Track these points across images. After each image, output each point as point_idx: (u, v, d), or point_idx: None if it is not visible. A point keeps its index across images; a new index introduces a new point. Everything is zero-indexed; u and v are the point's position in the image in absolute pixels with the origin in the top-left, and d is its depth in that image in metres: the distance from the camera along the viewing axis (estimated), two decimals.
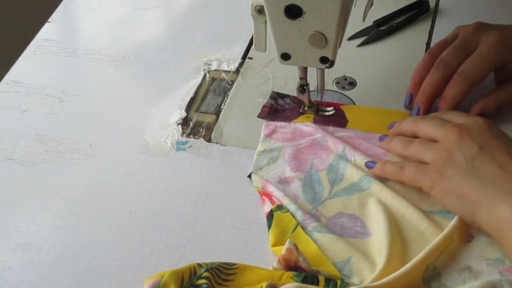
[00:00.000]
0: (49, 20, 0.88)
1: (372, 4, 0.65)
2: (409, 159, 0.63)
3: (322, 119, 0.70)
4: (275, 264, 0.55)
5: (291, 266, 0.55)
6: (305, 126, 0.69)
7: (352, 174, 0.63)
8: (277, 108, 0.71)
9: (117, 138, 0.71)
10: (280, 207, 0.61)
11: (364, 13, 0.65)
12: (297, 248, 0.55)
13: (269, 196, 0.62)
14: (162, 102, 0.75)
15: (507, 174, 0.55)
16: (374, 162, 0.63)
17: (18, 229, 0.62)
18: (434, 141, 0.61)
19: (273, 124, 0.70)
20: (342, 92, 0.74)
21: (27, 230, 0.61)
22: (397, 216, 0.59)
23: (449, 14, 0.82)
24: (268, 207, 0.61)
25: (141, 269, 0.57)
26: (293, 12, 0.59)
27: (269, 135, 0.69)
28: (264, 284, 0.52)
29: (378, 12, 0.82)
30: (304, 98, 0.69)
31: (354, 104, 0.72)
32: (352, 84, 0.75)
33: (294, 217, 0.60)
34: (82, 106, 0.75)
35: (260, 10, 0.61)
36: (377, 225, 0.59)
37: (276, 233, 0.58)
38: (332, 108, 0.70)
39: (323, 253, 0.57)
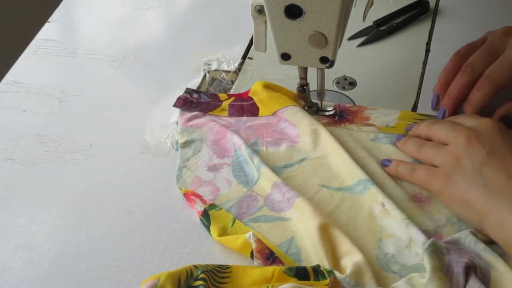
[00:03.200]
0: (49, 20, 0.88)
1: (372, 4, 0.65)
2: (422, 162, 0.63)
3: (236, 110, 0.71)
4: (254, 262, 0.56)
5: (268, 253, 0.56)
6: (219, 119, 0.70)
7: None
8: (193, 101, 0.72)
9: (117, 138, 0.71)
10: (213, 205, 0.61)
11: (364, 13, 0.65)
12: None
13: (199, 196, 0.62)
14: (162, 102, 0.75)
15: None
16: (389, 161, 0.64)
17: (18, 229, 0.62)
18: (446, 144, 0.61)
19: (188, 113, 0.71)
20: (342, 92, 0.74)
21: (27, 230, 0.61)
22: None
23: (449, 14, 0.82)
24: (200, 206, 0.61)
25: (141, 269, 0.57)
26: (293, 12, 0.59)
27: (184, 124, 0.70)
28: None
29: (378, 12, 0.82)
30: (304, 98, 0.69)
31: (354, 104, 0.72)
32: (352, 84, 0.75)
33: (229, 212, 0.61)
34: (82, 106, 0.75)
35: (260, 10, 0.61)
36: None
37: (217, 229, 0.59)
38: (332, 108, 0.70)
39: (267, 240, 0.58)
